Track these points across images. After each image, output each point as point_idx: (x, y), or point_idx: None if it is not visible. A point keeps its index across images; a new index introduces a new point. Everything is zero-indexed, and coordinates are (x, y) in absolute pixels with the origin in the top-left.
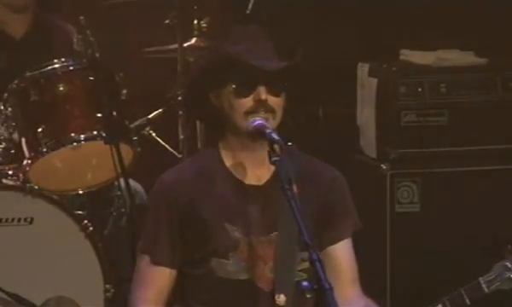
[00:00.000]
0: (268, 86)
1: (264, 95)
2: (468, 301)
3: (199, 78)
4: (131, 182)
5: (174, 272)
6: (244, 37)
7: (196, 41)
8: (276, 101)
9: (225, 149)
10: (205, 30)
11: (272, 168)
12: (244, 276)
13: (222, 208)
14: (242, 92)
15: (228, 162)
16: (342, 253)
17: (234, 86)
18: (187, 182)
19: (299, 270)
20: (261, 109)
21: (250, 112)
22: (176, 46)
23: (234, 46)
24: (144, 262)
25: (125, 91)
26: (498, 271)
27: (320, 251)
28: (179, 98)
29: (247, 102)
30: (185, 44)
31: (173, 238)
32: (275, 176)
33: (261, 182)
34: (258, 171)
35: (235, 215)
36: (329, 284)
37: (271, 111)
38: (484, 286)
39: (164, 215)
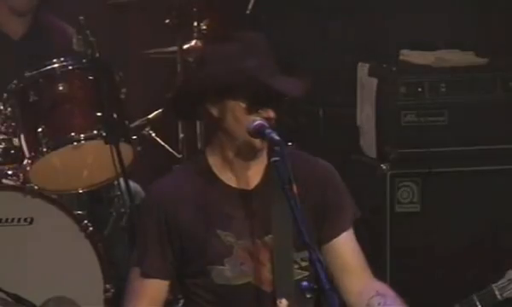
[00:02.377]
0: (276, 106)
1: (272, 114)
2: None
3: (200, 84)
4: (131, 183)
5: (166, 283)
6: (251, 48)
7: (196, 43)
8: (274, 113)
9: (213, 155)
10: (204, 32)
11: (261, 171)
12: (243, 280)
13: (212, 215)
14: (253, 110)
15: (216, 168)
16: (346, 244)
17: (244, 105)
18: (175, 192)
19: (297, 269)
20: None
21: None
22: (175, 48)
23: (244, 60)
24: (135, 274)
25: (124, 91)
26: (511, 277)
27: (323, 246)
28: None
29: (255, 119)
30: (185, 46)
31: (164, 249)
32: (266, 178)
33: (251, 186)
34: (247, 175)
35: (227, 220)
36: (330, 284)
37: (271, 121)
38: (497, 292)
39: (153, 227)
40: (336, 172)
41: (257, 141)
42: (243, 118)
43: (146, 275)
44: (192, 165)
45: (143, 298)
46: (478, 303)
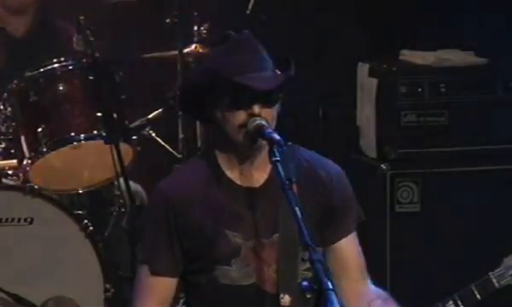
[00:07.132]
0: (262, 102)
1: (257, 110)
2: (478, 296)
3: (192, 89)
4: (131, 183)
5: (175, 281)
6: (236, 46)
7: (196, 47)
8: (269, 113)
9: (221, 154)
10: (205, 36)
11: (269, 169)
12: (248, 281)
13: (221, 215)
14: (235, 107)
15: (224, 166)
16: (348, 248)
17: (227, 100)
18: (184, 190)
19: (304, 270)
20: None
21: (243, 126)
22: (176, 52)
23: (225, 58)
24: (144, 272)
25: (124, 91)
26: (508, 265)
27: (325, 247)
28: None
29: (241, 116)
30: (185, 50)
31: (173, 247)
32: (272, 177)
33: (258, 185)
34: (255, 174)
35: (235, 220)
36: (330, 284)
37: (256, 117)
38: (494, 281)
39: (162, 225)
40: (345, 177)
41: (242, 140)
42: (229, 115)
43: (155, 272)
44: (201, 162)
45: (153, 296)
46: (476, 292)
